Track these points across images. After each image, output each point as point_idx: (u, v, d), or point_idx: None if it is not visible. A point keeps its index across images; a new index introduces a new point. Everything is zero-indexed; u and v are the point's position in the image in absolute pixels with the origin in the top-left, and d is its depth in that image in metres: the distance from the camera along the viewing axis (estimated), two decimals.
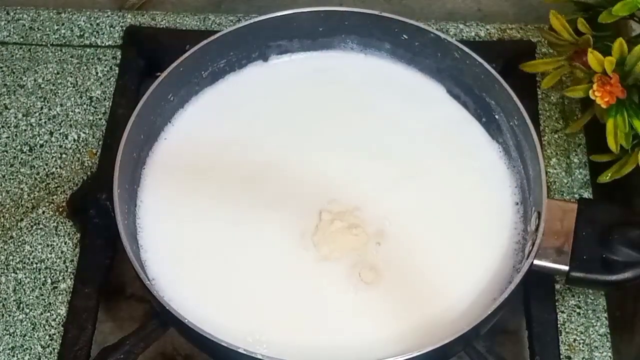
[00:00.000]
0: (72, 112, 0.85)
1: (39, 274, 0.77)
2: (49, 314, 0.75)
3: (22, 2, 0.92)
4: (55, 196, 0.81)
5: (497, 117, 0.77)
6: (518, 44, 0.87)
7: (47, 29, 0.90)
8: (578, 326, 0.75)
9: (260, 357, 0.63)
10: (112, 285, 0.78)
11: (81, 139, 0.84)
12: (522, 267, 0.68)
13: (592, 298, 0.76)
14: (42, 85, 0.87)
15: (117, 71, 0.87)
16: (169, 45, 0.85)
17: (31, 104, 0.86)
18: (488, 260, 0.72)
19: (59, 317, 0.75)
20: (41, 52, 0.89)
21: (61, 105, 0.86)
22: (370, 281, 0.71)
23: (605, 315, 0.75)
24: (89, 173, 0.82)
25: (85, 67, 0.88)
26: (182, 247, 0.73)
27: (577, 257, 0.69)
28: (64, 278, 0.77)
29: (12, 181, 0.82)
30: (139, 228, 0.74)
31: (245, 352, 0.63)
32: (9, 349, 0.74)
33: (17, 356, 0.74)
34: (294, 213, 0.74)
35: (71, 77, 0.87)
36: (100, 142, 0.83)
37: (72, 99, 0.86)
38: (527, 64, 0.80)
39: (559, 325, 0.74)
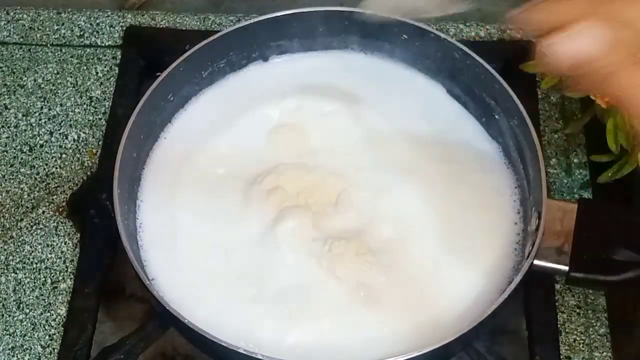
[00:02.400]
0: (72, 112, 0.85)
1: (39, 274, 0.77)
2: (49, 314, 0.75)
3: (22, 2, 0.92)
4: (55, 196, 0.81)
5: (497, 117, 0.77)
6: (518, 44, 0.87)
7: (47, 29, 0.90)
8: (578, 326, 0.75)
9: (260, 357, 0.63)
10: (112, 285, 0.78)
11: (81, 139, 0.84)
12: (522, 267, 0.68)
13: (592, 298, 0.76)
14: (42, 85, 0.87)
15: (117, 71, 0.87)
16: (169, 45, 0.85)
17: (31, 104, 0.86)
18: (488, 260, 0.72)
19: (59, 317, 0.75)
20: (41, 52, 0.89)
21: (61, 105, 0.86)
22: (370, 288, 0.71)
23: (605, 315, 0.75)
24: (89, 173, 0.82)
25: (85, 67, 0.88)
26: (183, 247, 0.73)
27: (577, 257, 0.69)
28: (64, 278, 0.77)
29: (12, 181, 0.82)
30: (139, 228, 0.74)
31: (245, 352, 0.63)
32: (9, 349, 0.74)
33: (17, 356, 0.74)
34: (295, 214, 0.74)
35: (71, 77, 0.87)
36: (100, 142, 0.83)
37: (72, 99, 0.86)
38: (527, 64, 0.80)
39: (559, 325, 0.74)
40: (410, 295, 0.71)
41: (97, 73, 0.87)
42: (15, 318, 0.75)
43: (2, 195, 0.81)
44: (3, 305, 0.76)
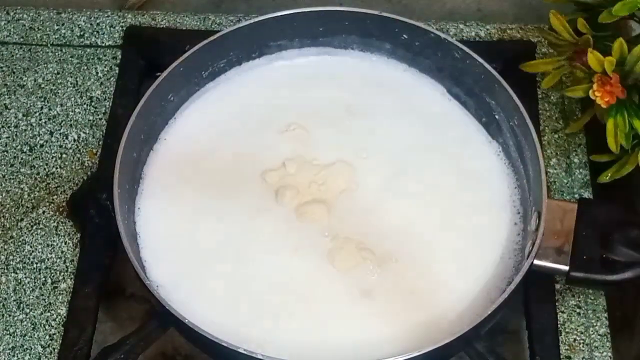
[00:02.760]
0: (72, 112, 0.85)
1: (39, 274, 0.77)
2: (49, 314, 0.75)
3: (22, 2, 0.92)
4: (55, 196, 0.81)
5: (497, 117, 0.77)
6: (518, 44, 0.87)
7: (47, 29, 0.90)
8: (578, 326, 0.75)
9: (260, 357, 0.63)
10: (112, 285, 0.78)
11: (81, 139, 0.84)
12: (522, 267, 0.68)
13: (592, 298, 0.76)
14: (42, 85, 0.87)
15: (117, 71, 0.87)
16: (169, 45, 0.85)
17: (31, 104, 0.86)
18: (488, 261, 0.72)
19: (59, 317, 0.75)
20: (41, 52, 0.89)
21: (61, 105, 0.86)
22: (370, 287, 0.71)
23: (605, 315, 0.75)
24: (89, 173, 0.82)
25: (85, 67, 0.88)
26: (183, 247, 0.73)
27: (577, 257, 0.69)
28: (64, 278, 0.77)
29: (12, 181, 0.82)
30: (139, 228, 0.74)
31: (245, 352, 0.64)
32: (9, 349, 0.74)
33: (17, 356, 0.74)
34: (294, 214, 0.74)
35: (71, 77, 0.87)
36: (100, 142, 0.83)
37: (72, 99, 0.86)
38: (527, 64, 0.80)
39: (559, 325, 0.74)
40: (410, 295, 0.71)
41: (97, 73, 0.87)
42: (16, 318, 0.75)
43: (2, 195, 0.81)
44: (3, 305, 0.76)
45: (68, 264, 0.77)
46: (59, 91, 0.86)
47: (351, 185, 0.75)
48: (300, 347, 0.68)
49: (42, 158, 0.83)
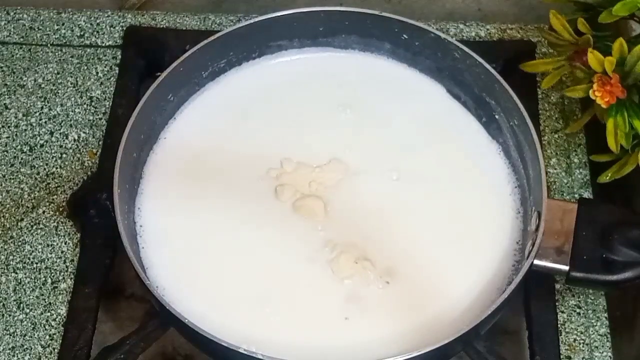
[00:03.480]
0: (72, 112, 0.85)
1: (39, 273, 0.77)
2: (49, 314, 0.75)
3: (22, 2, 0.92)
4: (55, 196, 0.81)
5: (497, 117, 0.77)
6: (518, 44, 0.87)
7: (47, 29, 0.90)
8: (578, 326, 0.75)
9: (260, 357, 0.63)
10: (112, 285, 0.78)
11: (81, 139, 0.84)
12: (522, 267, 0.68)
13: (592, 298, 0.76)
14: (42, 85, 0.87)
15: (117, 71, 0.87)
16: (169, 45, 0.86)
17: (31, 104, 0.86)
18: (488, 260, 0.72)
19: (59, 317, 0.75)
20: (41, 52, 0.89)
21: (61, 105, 0.86)
22: (371, 287, 0.71)
23: (605, 315, 0.75)
24: (89, 173, 0.82)
25: (85, 67, 0.88)
26: (183, 247, 0.73)
27: (577, 257, 0.69)
28: (64, 278, 0.77)
29: (12, 181, 0.82)
30: (139, 228, 0.74)
31: (245, 352, 0.64)
32: (9, 349, 0.74)
33: (17, 356, 0.74)
34: (294, 213, 0.74)
35: (71, 77, 0.87)
36: (100, 142, 0.83)
37: (72, 99, 0.86)
38: (527, 64, 0.80)
39: (559, 325, 0.74)
40: (410, 296, 0.70)
41: (97, 73, 0.87)
42: (16, 318, 0.75)
43: (2, 195, 0.81)
44: (3, 305, 0.76)
45: (68, 264, 0.77)
46: (59, 91, 0.86)
47: (348, 184, 0.75)
48: (301, 348, 0.68)
49: (42, 158, 0.83)
